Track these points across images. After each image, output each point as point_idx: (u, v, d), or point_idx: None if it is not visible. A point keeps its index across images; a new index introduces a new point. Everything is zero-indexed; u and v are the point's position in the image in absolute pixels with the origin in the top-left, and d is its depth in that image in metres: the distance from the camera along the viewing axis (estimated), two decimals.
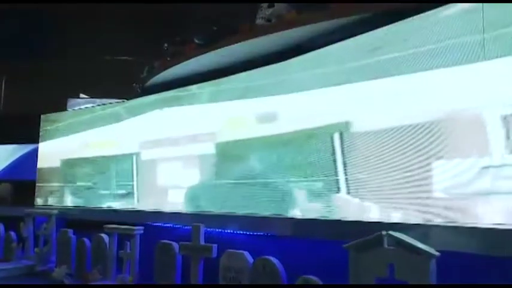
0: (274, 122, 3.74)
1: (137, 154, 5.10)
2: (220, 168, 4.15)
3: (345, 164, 3.13)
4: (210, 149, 4.29)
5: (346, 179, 3.10)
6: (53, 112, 6.54)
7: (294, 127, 3.57)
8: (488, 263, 2.33)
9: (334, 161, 3.21)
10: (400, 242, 2.28)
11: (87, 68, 7.95)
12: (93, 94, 7.95)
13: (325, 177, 3.25)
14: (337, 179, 3.15)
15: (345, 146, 3.14)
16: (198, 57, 4.22)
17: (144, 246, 4.14)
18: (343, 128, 3.17)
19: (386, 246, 2.35)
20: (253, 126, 3.92)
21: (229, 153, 4.11)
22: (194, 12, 5.89)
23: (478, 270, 2.36)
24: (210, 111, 4.35)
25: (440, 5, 2.70)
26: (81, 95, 8.10)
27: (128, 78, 5.72)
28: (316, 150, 3.36)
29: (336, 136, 3.22)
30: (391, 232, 2.33)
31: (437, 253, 2.18)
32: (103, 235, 4.40)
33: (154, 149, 4.94)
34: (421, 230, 2.56)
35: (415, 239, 2.35)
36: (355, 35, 3.23)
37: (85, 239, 4.59)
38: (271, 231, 3.51)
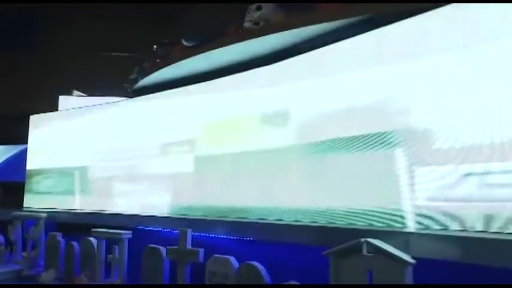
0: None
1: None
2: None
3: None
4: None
5: None
6: (44, 112, 6.62)
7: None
8: (469, 271, 2.43)
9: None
10: (378, 249, 2.39)
11: (82, 65, 7.99)
12: (88, 92, 7.99)
13: None
14: None
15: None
16: (187, 60, 4.34)
17: (133, 249, 4.25)
18: None
19: (365, 253, 2.45)
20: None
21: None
22: (185, 13, 5.96)
23: (459, 278, 2.46)
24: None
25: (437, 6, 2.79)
26: (75, 93, 8.11)
27: (126, 75, 5.74)
28: None
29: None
30: (369, 239, 2.44)
31: (413, 261, 2.29)
32: (91, 239, 4.51)
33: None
34: (402, 238, 2.66)
35: (397, 246, 2.46)
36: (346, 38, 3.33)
37: (74, 243, 4.69)
38: (258, 236, 3.62)
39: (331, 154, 3.29)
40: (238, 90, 4.11)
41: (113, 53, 8.18)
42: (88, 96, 7.76)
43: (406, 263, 2.28)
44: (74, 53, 8.07)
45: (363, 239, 2.46)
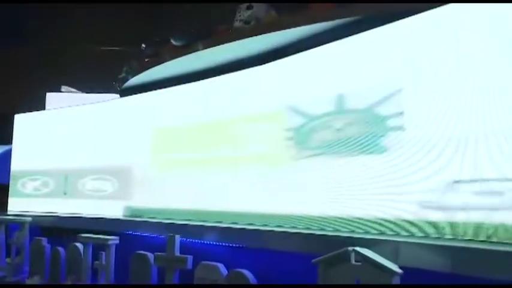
0: None
1: None
2: None
3: None
4: None
5: None
6: (30, 111, 6.65)
7: None
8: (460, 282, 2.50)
9: None
10: (365, 258, 2.48)
11: (71, 59, 8.00)
12: (78, 88, 7.98)
13: None
14: None
15: None
16: (177, 59, 4.43)
17: (121, 255, 4.32)
18: None
19: (353, 262, 2.54)
20: None
21: None
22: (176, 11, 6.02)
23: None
24: None
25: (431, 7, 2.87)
26: (63, 88, 8.11)
27: (118, 70, 5.76)
28: None
29: None
30: (357, 248, 2.53)
31: (400, 271, 2.38)
32: (78, 244, 4.58)
33: None
34: (392, 246, 2.73)
35: (386, 255, 2.55)
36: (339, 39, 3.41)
37: (60, 248, 4.77)
38: (248, 243, 3.70)
39: (319, 158, 3.39)
40: (226, 91, 4.23)
41: (103, 47, 8.20)
42: (77, 92, 7.75)
43: (393, 272, 2.37)
44: (62, 46, 8.07)
45: (350, 248, 2.54)
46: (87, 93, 7.30)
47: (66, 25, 8.06)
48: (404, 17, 3.00)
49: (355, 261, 2.54)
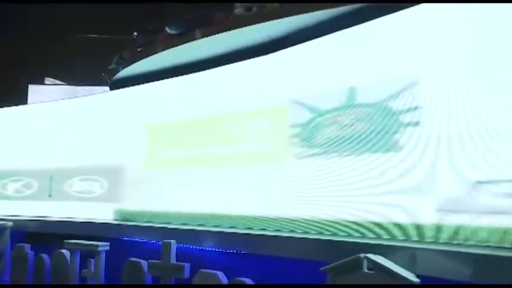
0: None
1: None
2: None
3: None
4: None
5: None
6: (10, 105, 6.66)
7: None
8: None
9: None
10: (379, 266, 2.47)
11: (55, 49, 7.97)
12: (63, 80, 7.94)
13: None
14: None
15: None
16: (171, 49, 4.42)
17: (112, 263, 4.31)
18: None
19: (365, 270, 2.53)
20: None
21: None
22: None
23: None
24: None
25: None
26: (47, 80, 8.08)
27: (106, 60, 5.74)
28: None
29: None
30: (369, 255, 2.52)
31: (417, 280, 2.37)
32: (64, 251, 4.57)
33: None
34: (408, 253, 2.72)
35: (401, 262, 2.54)
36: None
37: (44, 256, 4.75)
38: (250, 249, 3.70)
39: (327, 157, 3.39)
40: (225, 83, 4.25)
41: (91, 35, 8.18)
42: (63, 85, 7.72)
43: (408, 282, 2.36)
44: (45, 34, 8.04)
45: (362, 255, 2.53)
46: (73, 85, 7.29)
47: (51, 10, 8.02)
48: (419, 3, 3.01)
49: (368, 269, 2.54)
